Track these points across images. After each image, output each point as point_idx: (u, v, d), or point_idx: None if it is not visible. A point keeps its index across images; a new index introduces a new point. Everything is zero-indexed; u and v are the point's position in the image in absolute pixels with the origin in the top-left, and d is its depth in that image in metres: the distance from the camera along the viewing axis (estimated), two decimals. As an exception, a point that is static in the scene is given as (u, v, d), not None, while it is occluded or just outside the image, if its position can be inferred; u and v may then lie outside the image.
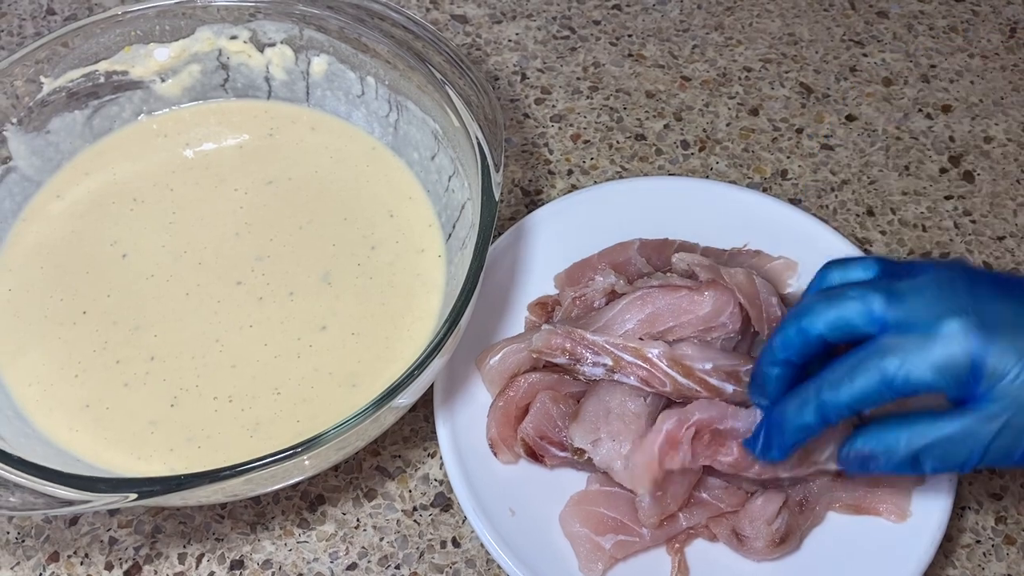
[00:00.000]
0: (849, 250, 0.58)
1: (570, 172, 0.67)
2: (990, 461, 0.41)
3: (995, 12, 0.78)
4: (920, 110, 0.71)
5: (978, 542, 0.53)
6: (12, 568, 0.50)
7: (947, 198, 0.66)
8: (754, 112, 0.71)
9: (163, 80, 0.59)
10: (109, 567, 0.51)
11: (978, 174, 0.67)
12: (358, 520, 0.52)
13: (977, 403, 0.40)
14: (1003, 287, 0.41)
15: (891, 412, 0.43)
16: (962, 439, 0.40)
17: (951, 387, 0.40)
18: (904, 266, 0.43)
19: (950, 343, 0.39)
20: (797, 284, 0.58)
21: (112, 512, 0.52)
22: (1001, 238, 0.65)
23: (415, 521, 0.52)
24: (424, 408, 0.55)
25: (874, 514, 0.49)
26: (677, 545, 0.49)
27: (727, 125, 0.70)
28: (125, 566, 0.51)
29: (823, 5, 0.78)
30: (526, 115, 0.70)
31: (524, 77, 0.72)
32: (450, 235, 0.55)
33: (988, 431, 0.40)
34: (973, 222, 0.65)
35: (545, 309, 0.55)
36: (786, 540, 0.47)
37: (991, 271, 0.43)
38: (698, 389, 0.48)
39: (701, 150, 0.68)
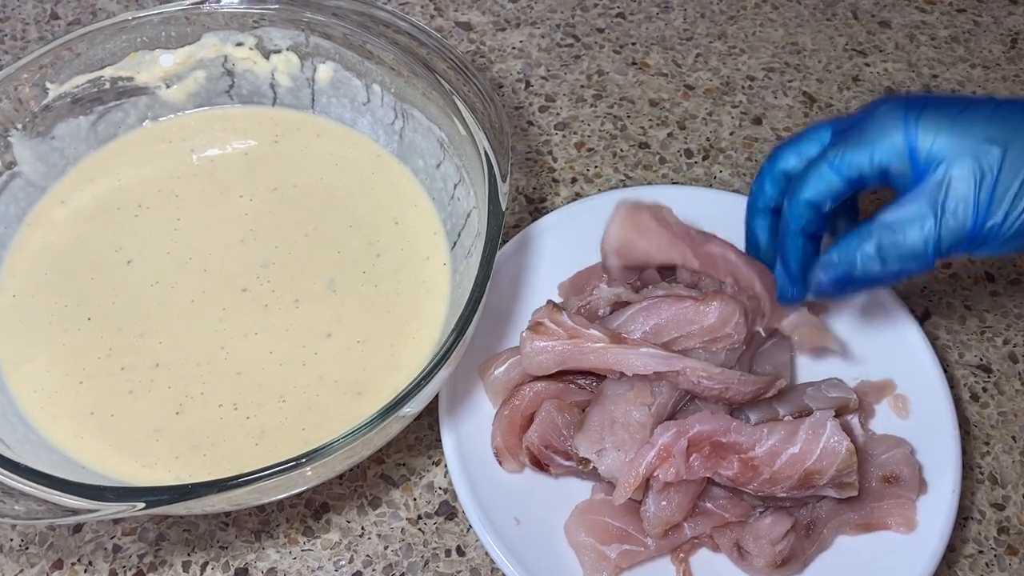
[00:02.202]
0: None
1: (574, 180, 0.67)
2: (950, 241, 0.43)
3: (996, 23, 0.78)
4: (922, 120, 0.71)
5: (980, 552, 0.53)
6: (16, 575, 0.50)
7: None
8: (757, 121, 0.71)
9: (168, 86, 0.59)
10: (113, 575, 0.50)
11: (980, 184, 0.68)
12: (363, 528, 0.52)
13: (919, 182, 0.43)
14: (936, 96, 0.45)
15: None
16: (914, 220, 0.43)
17: (896, 158, 0.43)
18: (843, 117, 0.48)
19: (883, 124, 0.44)
20: (801, 294, 0.58)
21: (116, 520, 0.52)
22: (1003, 248, 0.65)
23: (420, 530, 0.52)
24: (429, 416, 0.55)
25: (883, 528, 0.49)
26: (682, 555, 0.49)
27: (730, 134, 0.70)
28: (129, 574, 0.51)
29: (826, 15, 0.78)
30: (530, 123, 0.70)
31: (528, 85, 0.72)
32: (455, 243, 0.55)
33: (934, 203, 0.42)
34: (975, 232, 0.65)
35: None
36: (787, 563, 0.47)
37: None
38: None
39: (705, 159, 0.68)
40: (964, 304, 0.62)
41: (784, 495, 0.47)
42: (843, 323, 0.57)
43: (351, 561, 0.51)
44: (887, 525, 0.49)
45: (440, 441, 0.51)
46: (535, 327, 0.50)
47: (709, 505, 0.49)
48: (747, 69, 0.74)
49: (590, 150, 0.69)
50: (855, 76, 0.74)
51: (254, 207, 0.57)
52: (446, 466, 0.52)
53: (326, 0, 0.56)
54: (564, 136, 0.69)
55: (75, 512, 0.40)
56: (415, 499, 0.53)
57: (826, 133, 0.48)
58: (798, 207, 0.47)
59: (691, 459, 0.47)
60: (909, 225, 0.43)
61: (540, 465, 0.50)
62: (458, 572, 0.51)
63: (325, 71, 0.59)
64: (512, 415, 0.51)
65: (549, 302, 0.52)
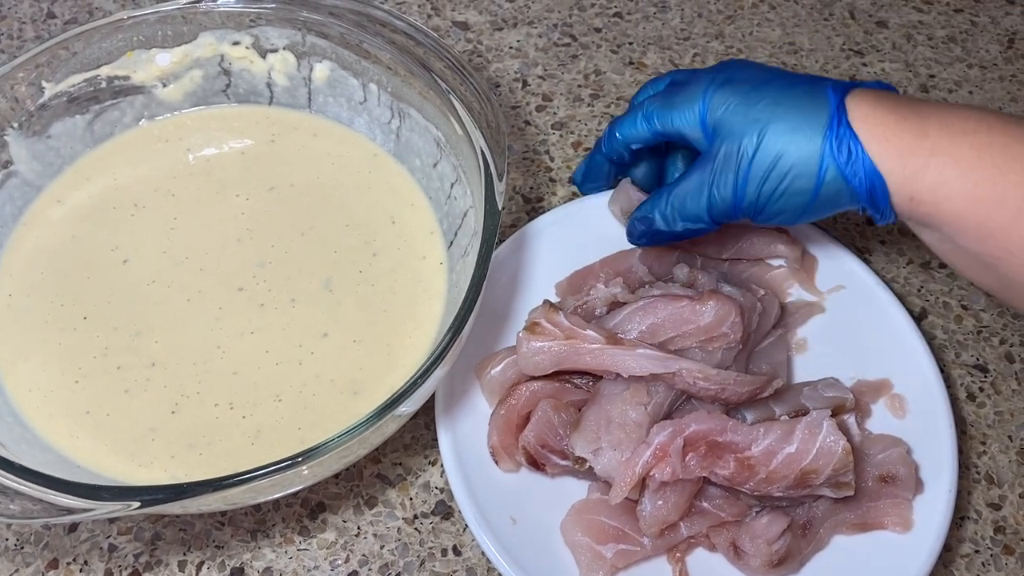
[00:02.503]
0: (850, 259, 0.58)
1: (571, 180, 0.67)
2: (721, 210, 0.49)
3: (994, 23, 0.78)
4: (919, 120, 0.71)
5: (977, 552, 0.53)
6: (11, 575, 0.50)
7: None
8: (754, 121, 0.71)
9: (165, 85, 0.59)
10: (108, 574, 0.50)
11: (977, 184, 0.68)
12: (359, 528, 0.52)
13: (709, 149, 0.49)
14: (757, 64, 0.51)
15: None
16: (693, 191, 0.49)
17: (691, 127, 0.50)
18: (693, 70, 0.54)
19: (693, 89, 0.50)
20: (797, 293, 0.58)
21: (112, 519, 0.52)
22: (1000, 248, 0.65)
23: (416, 529, 0.52)
24: (425, 415, 0.55)
25: (880, 528, 0.49)
26: (678, 554, 0.49)
27: (727, 133, 0.70)
28: (125, 573, 0.50)
29: (823, 15, 0.78)
30: (527, 122, 0.70)
31: (525, 84, 0.72)
32: (452, 242, 0.55)
33: (709, 170, 0.48)
34: (972, 232, 0.65)
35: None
36: (783, 563, 0.47)
37: (760, 63, 0.52)
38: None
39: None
40: (961, 304, 0.62)
41: (780, 494, 0.47)
42: (841, 323, 0.57)
43: (347, 561, 0.51)
44: (883, 525, 0.49)
45: (436, 440, 0.51)
46: (531, 327, 0.50)
47: (705, 505, 0.49)
48: (744, 69, 0.74)
49: (587, 149, 0.68)
50: (852, 76, 0.74)
51: (250, 206, 0.57)
52: (442, 466, 0.52)
53: (322, -1, 0.56)
54: (561, 136, 0.69)
55: (71, 511, 0.40)
56: (411, 499, 0.53)
57: (664, 82, 0.55)
58: (611, 137, 0.55)
59: (687, 458, 0.47)
60: (690, 194, 0.50)
61: (536, 465, 0.50)
62: (454, 572, 0.51)
63: (322, 70, 0.59)
64: (508, 414, 0.51)
65: (546, 302, 0.52)
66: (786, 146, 0.46)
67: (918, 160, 0.43)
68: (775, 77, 0.48)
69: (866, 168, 0.44)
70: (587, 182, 0.60)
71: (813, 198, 0.46)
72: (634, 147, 0.54)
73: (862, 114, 0.45)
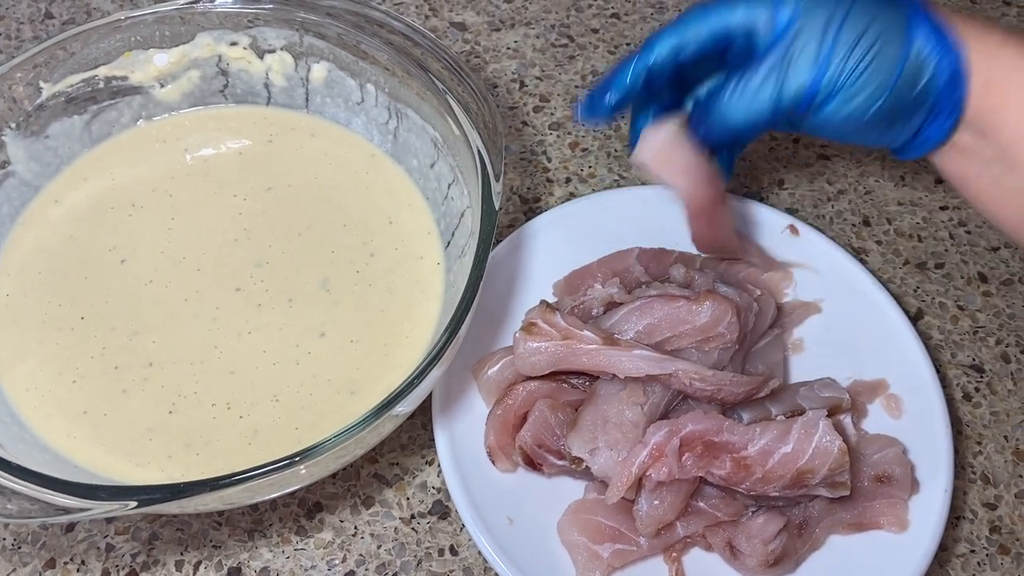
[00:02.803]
0: (846, 259, 0.58)
1: (568, 180, 0.67)
2: (791, 96, 0.45)
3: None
4: (916, 121, 0.72)
5: (972, 552, 0.53)
6: (8, 575, 0.50)
7: (942, 208, 0.67)
8: (751, 121, 0.71)
9: (162, 86, 0.59)
10: (106, 574, 0.50)
11: (973, 185, 0.68)
12: (356, 528, 0.52)
13: (776, 42, 0.45)
14: None
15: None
16: (765, 72, 0.46)
17: (758, 23, 0.46)
18: None
19: None
20: (794, 294, 0.58)
21: (109, 519, 0.52)
22: (996, 249, 0.65)
23: (413, 529, 0.52)
24: (422, 415, 0.55)
25: (875, 528, 0.49)
26: (674, 554, 0.49)
27: (724, 134, 0.70)
28: (122, 573, 0.51)
29: (820, 15, 0.78)
30: (524, 123, 0.70)
31: (523, 85, 0.72)
32: (449, 243, 0.55)
33: (781, 56, 0.45)
34: (968, 233, 0.66)
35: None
36: (779, 563, 0.47)
37: None
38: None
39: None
40: (957, 304, 0.62)
41: (776, 494, 0.48)
42: (837, 323, 0.57)
43: (344, 560, 0.51)
44: (879, 524, 0.49)
45: (433, 440, 0.51)
46: (528, 328, 0.50)
47: (702, 504, 0.49)
48: (741, 70, 0.74)
49: (584, 150, 0.69)
50: (849, 77, 0.74)
51: (248, 206, 0.57)
52: (439, 465, 0.52)
53: (320, 0, 0.56)
54: (558, 136, 0.69)
55: (68, 511, 0.40)
56: (408, 498, 0.54)
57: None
58: (661, 41, 0.49)
59: (684, 458, 0.47)
60: (757, 78, 0.46)
61: (533, 464, 0.50)
62: (451, 571, 0.51)
63: (319, 71, 0.59)
64: (505, 414, 0.51)
65: (543, 302, 0.52)
66: (874, 16, 0.44)
67: (993, 38, 0.43)
68: None
69: (950, 38, 0.43)
70: (601, 102, 0.52)
71: (896, 77, 0.44)
72: (683, 55, 0.48)
73: (935, 3, 0.44)
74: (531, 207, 0.65)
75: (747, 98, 0.46)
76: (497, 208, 0.48)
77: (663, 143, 0.50)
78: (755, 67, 0.46)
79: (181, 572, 0.51)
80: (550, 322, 0.50)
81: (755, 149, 0.69)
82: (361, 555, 0.52)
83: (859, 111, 0.45)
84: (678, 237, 0.59)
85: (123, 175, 0.58)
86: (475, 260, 0.46)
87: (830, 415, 0.49)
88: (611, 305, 0.54)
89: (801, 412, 0.50)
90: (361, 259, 0.55)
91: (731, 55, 0.48)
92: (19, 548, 0.51)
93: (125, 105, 0.58)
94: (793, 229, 0.60)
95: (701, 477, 0.48)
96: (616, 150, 0.69)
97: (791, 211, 0.65)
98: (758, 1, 0.46)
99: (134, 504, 0.40)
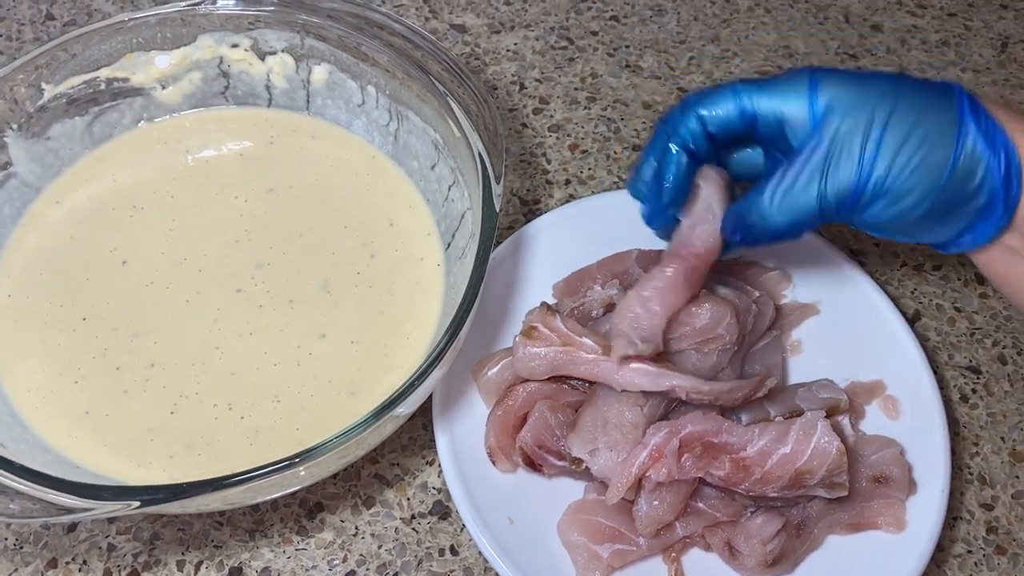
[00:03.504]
0: (844, 261, 0.58)
1: (568, 182, 0.67)
2: (836, 196, 0.44)
3: (987, 27, 0.79)
4: (913, 123, 0.72)
5: (970, 552, 0.53)
6: (10, 575, 0.50)
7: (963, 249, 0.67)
8: (750, 124, 0.71)
9: (164, 87, 0.59)
10: (107, 574, 0.51)
11: (970, 187, 0.68)
12: (356, 528, 0.53)
13: (811, 137, 0.44)
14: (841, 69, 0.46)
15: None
16: (807, 173, 0.44)
17: (791, 112, 0.45)
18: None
19: (790, 77, 0.45)
20: (792, 295, 0.59)
21: (111, 519, 0.52)
22: (993, 251, 0.65)
23: (413, 529, 0.53)
24: (422, 416, 0.55)
25: (873, 528, 0.50)
26: (674, 554, 0.49)
27: (723, 136, 0.70)
28: (124, 573, 0.51)
29: (818, 18, 0.78)
30: (524, 125, 0.70)
31: (522, 87, 0.72)
32: (449, 244, 0.55)
33: (822, 156, 0.43)
34: (965, 235, 0.66)
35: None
36: (778, 563, 0.48)
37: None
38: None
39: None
40: (954, 306, 0.63)
41: (775, 495, 0.48)
42: (835, 325, 0.57)
43: (345, 560, 0.52)
44: (877, 525, 0.50)
45: (434, 441, 0.52)
46: (528, 332, 0.50)
47: (701, 505, 0.50)
48: (740, 72, 0.74)
49: (584, 152, 0.69)
50: (847, 79, 0.74)
51: (249, 208, 0.57)
52: (440, 466, 0.52)
53: (321, 2, 0.56)
54: (558, 138, 0.70)
55: (70, 511, 0.40)
56: (409, 499, 0.54)
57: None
58: (688, 117, 0.47)
59: (683, 459, 0.47)
60: (798, 184, 0.44)
61: (533, 465, 0.51)
62: (451, 571, 0.51)
63: (320, 73, 0.59)
64: (505, 415, 0.51)
65: (543, 304, 0.52)
66: (920, 114, 0.42)
67: None
68: (872, 72, 0.46)
69: (1002, 137, 0.42)
70: (652, 186, 0.50)
71: (949, 174, 0.42)
72: (713, 130, 0.47)
73: (990, 106, 0.43)
74: (531, 209, 0.66)
75: (790, 200, 0.45)
76: (497, 210, 0.48)
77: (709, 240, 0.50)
78: (794, 165, 0.45)
79: (182, 572, 0.51)
80: (550, 326, 0.50)
81: (754, 151, 0.69)
82: (362, 555, 0.52)
83: (907, 212, 0.44)
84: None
85: (124, 176, 0.58)
86: (475, 262, 0.46)
87: (828, 416, 0.49)
88: (610, 307, 0.54)
89: (799, 413, 0.50)
90: (362, 260, 0.55)
91: (761, 134, 0.47)
92: (21, 548, 0.51)
93: (126, 106, 0.59)
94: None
95: (700, 478, 0.48)
96: (615, 152, 0.69)
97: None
98: (791, 89, 0.45)
99: (136, 504, 0.40)
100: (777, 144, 0.47)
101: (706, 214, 0.49)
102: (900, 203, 0.43)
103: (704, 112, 0.47)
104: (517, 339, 0.51)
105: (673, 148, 0.48)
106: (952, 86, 0.44)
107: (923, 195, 0.43)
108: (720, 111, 0.47)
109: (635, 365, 0.49)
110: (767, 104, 0.45)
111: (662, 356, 0.49)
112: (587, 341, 0.50)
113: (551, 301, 0.57)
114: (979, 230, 0.45)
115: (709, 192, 0.49)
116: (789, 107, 0.45)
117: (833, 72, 0.45)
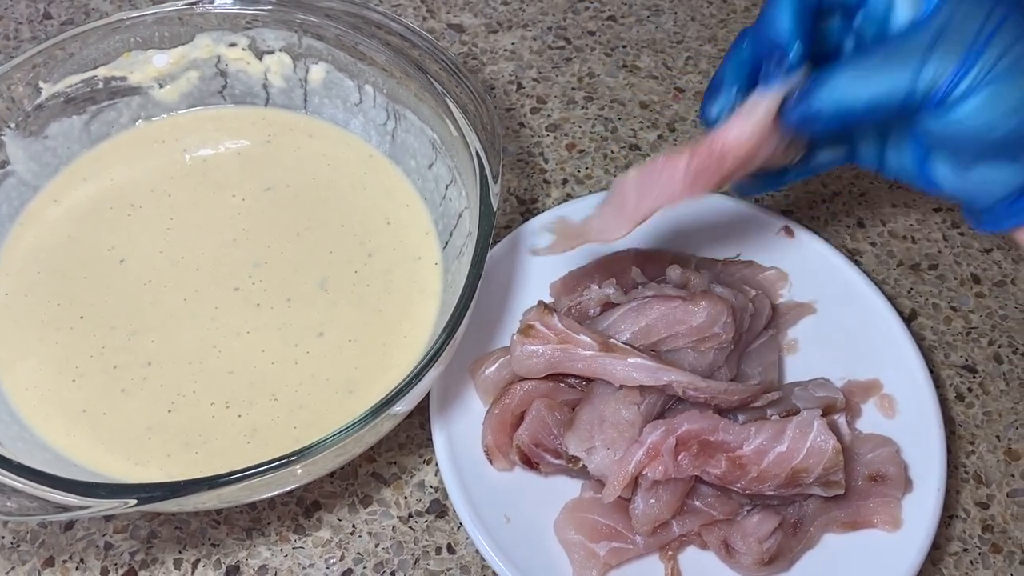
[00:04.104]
0: (840, 260, 0.59)
1: (565, 181, 0.67)
2: (929, 82, 0.39)
3: (983, 27, 0.79)
4: (910, 123, 0.72)
5: (965, 550, 0.54)
6: (7, 573, 0.50)
7: (936, 210, 0.67)
8: (747, 123, 0.71)
9: (161, 86, 0.59)
10: (104, 572, 0.51)
11: (966, 187, 0.68)
12: (353, 526, 0.53)
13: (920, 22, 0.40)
14: None
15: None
16: (906, 50, 0.39)
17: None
18: None
19: None
20: (789, 294, 0.59)
21: (108, 517, 0.52)
22: (988, 250, 0.65)
23: (410, 527, 0.53)
24: (420, 415, 0.55)
25: (869, 527, 0.50)
26: (670, 552, 0.50)
27: (720, 136, 0.70)
28: (121, 571, 0.51)
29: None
30: (521, 124, 0.70)
31: (520, 87, 0.72)
32: (447, 243, 0.55)
33: (931, 33, 0.39)
34: (961, 234, 0.66)
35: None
36: (774, 561, 0.48)
37: None
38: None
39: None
40: (950, 305, 0.63)
41: (771, 493, 0.48)
42: (831, 324, 0.57)
43: (342, 559, 0.52)
44: (873, 523, 0.50)
45: (431, 440, 0.52)
46: (526, 330, 0.51)
47: (697, 503, 0.50)
48: (737, 72, 0.74)
49: (581, 152, 0.69)
50: (844, 79, 0.74)
51: (246, 207, 0.57)
52: (437, 464, 0.52)
53: (319, 1, 0.56)
54: (555, 138, 0.70)
55: (67, 509, 0.40)
56: (406, 497, 0.54)
57: None
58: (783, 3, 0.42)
59: (679, 457, 0.47)
60: (899, 52, 0.40)
61: (530, 463, 0.51)
62: (448, 570, 0.52)
63: (318, 72, 0.59)
64: (503, 414, 0.51)
65: (540, 303, 0.52)
66: None
67: None
68: None
69: None
70: (723, 88, 0.45)
71: None
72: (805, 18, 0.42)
73: None
74: (528, 208, 0.66)
75: (879, 72, 0.40)
76: (495, 209, 0.48)
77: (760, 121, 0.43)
78: (895, 40, 0.40)
79: (180, 570, 0.51)
80: (547, 325, 0.50)
81: (750, 151, 0.70)
82: (359, 553, 0.52)
83: (995, 121, 0.40)
84: (674, 238, 0.59)
85: (122, 175, 0.58)
86: (473, 260, 0.46)
87: (824, 415, 0.49)
88: (607, 306, 0.54)
89: (796, 412, 0.50)
90: (359, 259, 0.55)
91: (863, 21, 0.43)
92: (18, 546, 0.51)
93: (124, 105, 0.59)
94: (788, 231, 0.60)
95: (697, 476, 0.48)
96: (612, 152, 0.69)
97: (786, 213, 0.66)
98: None
99: (133, 502, 0.40)
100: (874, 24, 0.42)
101: (753, 107, 0.43)
102: (993, 107, 0.39)
103: None
104: (515, 337, 0.51)
105: (750, 54, 0.44)
106: None
107: (1019, 106, 0.39)
108: None
109: (633, 360, 0.49)
110: None
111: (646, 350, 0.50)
112: (584, 338, 0.50)
113: (548, 300, 0.57)
114: None
115: (771, 95, 0.43)
116: None
117: None
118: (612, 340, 0.50)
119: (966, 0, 0.40)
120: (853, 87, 0.40)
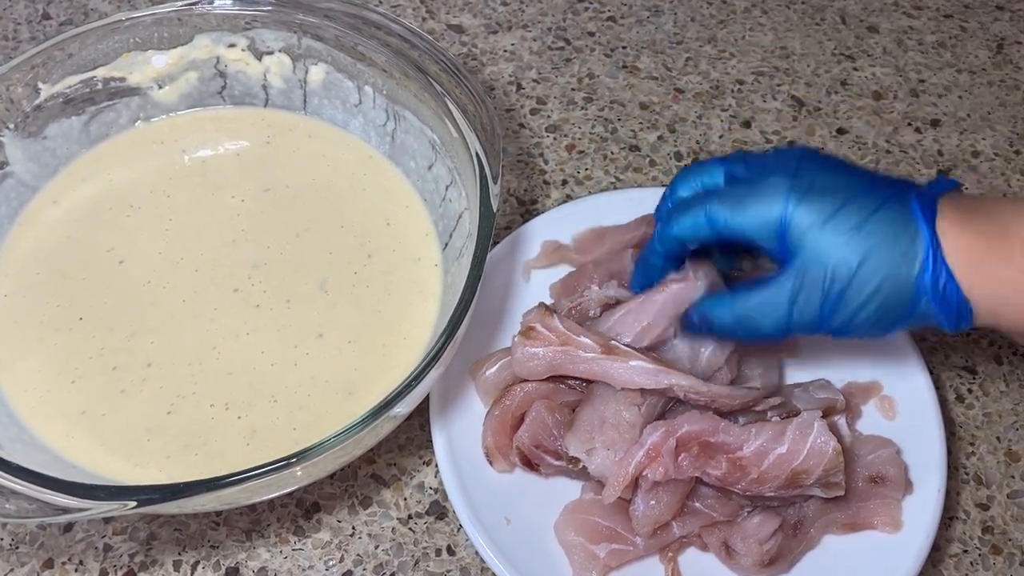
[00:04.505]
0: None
1: (565, 182, 0.67)
2: (800, 323, 0.45)
3: (983, 28, 0.79)
4: (909, 124, 0.72)
5: (965, 552, 0.53)
6: (6, 575, 0.50)
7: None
8: (746, 124, 0.71)
9: (160, 87, 0.59)
10: (104, 574, 0.51)
11: (966, 187, 0.68)
12: (353, 528, 0.53)
13: (784, 265, 0.45)
14: (830, 163, 0.46)
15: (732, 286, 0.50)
16: (771, 302, 0.45)
17: (766, 238, 0.45)
18: (748, 155, 0.49)
19: (767, 194, 0.45)
20: (789, 295, 0.59)
21: (107, 519, 0.52)
22: (988, 251, 0.65)
23: (410, 529, 0.53)
24: (419, 416, 0.55)
25: (869, 528, 0.50)
26: (670, 554, 0.50)
27: (720, 137, 0.70)
28: (120, 573, 0.51)
29: (815, 20, 0.79)
30: (521, 125, 0.70)
31: (519, 87, 0.72)
32: (447, 244, 0.55)
33: (789, 289, 0.44)
34: (961, 235, 0.66)
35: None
36: (775, 562, 0.48)
37: (827, 155, 0.48)
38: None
39: (694, 162, 0.69)
40: (950, 306, 0.63)
41: (772, 495, 0.48)
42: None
43: (341, 560, 0.51)
44: (873, 524, 0.50)
45: (431, 441, 0.52)
46: (527, 332, 0.50)
47: (697, 505, 0.50)
48: (736, 73, 0.74)
49: (581, 152, 0.69)
50: (843, 80, 0.74)
51: (246, 208, 0.57)
52: (437, 466, 0.52)
53: (318, 2, 0.56)
54: (555, 138, 0.70)
55: (66, 511, 0.40)
56: (406, 499, 0.54)
57: (720, 173, 0.49)
58: (667, 237, 0.49)
59: (680, 459, 0.47)
60: (765, 310, 0.45)
61: (530, 465, 0.51)
62: (448, 571, 0.51)
63: (317, 73, 0.59)
64: (503, 415, 0.51)
65: (541, 304, 0.52)
66: (883, 282, 0.43)
67: (1005, 288, 0.43)
68: (857, 190, 0.44)
69: (959, 302, 0.43)
70: (642, 281, 0.54)
71: (901, 322, 0.44)
72: (692, 247, 0.50)
73: (952, 244, 0.43)
74: (528, 209, 0.66)
75: (762, 315, 0.46)
76: (495, 210, 0.48)
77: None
78: (763, 287, 0.46)
79: (179, 572, 0.51)
80: (548, 326, 0.50)
81: (750, 152, 0.70)
82: (359, 555, 0.52)
83: (862, 339, 0.46)
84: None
85: (121, 176, 0.58)
86: (473, 261, 0.46)
87: (825, 416, 0.49)
88: (607, 306, 0.54)
89: (796, 413, 0.50)
90: (359, 260, 0.55)
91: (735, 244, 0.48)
92: (17, 548, 0.51)
93: (123, 106, 0.59)
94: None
95: (697, 477, 0.48)
96: (612, 152, 0.69)
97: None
98: (762, 227, 0.45)
99: (133, 504, 0.40)
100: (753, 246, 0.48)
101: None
102: (856, 335, 0.45)
103: (677, 234, 0.48)
104: (515, 339, 0.51)
105: (658, 258, 0.51)
106: (922, 236, 0.43)
107: (877, 334, 0.45)
108: (694, 232, 0.48)
109: (634, 363, 0.49)
110: (739, 232, 0.46)
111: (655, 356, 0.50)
112: (585, 340, 0.50)
113: (548, 301, 0.57)
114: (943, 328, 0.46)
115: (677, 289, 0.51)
116: (761, 238, 0.45)
117: (804, 206, 0.44)
118: (614, 342, 0.50)
119: (816, 259, 0.44)
120: (739, 326, 0.47)
